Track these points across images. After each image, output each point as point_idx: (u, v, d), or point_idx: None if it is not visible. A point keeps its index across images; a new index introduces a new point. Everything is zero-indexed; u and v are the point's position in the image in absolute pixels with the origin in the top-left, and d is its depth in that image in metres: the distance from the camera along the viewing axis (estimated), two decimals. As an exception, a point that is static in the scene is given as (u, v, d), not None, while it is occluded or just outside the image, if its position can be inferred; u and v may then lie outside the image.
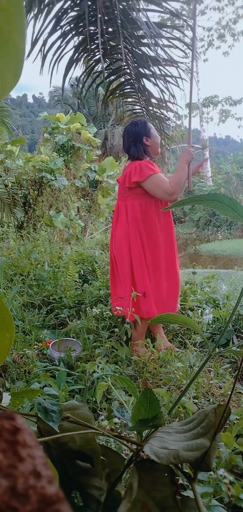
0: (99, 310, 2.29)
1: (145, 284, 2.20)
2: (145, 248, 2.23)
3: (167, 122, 3.27)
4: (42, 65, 2.64)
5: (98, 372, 1.52)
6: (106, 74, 3.02)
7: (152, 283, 2.23)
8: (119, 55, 2.87)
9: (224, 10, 19.08)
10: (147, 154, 2.32)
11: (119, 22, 2.51)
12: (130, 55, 2.86)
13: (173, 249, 2.31)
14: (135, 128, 2.33)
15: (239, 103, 20.05)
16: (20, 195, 6.41)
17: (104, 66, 2.90)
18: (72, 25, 2.62)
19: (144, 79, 3.05)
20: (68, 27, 2.63)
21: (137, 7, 2.57)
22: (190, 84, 2.20)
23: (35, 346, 2.12)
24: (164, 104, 3.07)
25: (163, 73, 2.90)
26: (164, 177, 2.20)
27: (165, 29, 2.85)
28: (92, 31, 2.66)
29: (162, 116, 3.23)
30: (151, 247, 2.24)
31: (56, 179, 6.48)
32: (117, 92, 3.22)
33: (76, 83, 12.60)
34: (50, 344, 2.11)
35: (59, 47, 2.68)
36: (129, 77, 3.09)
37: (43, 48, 2.61)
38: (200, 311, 2.75)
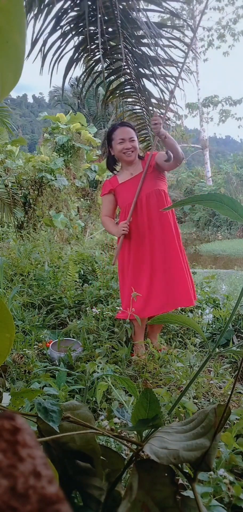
0: (99, 310, 2.29)
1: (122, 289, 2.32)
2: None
3: (167, 122, 3.26)
4: (42, 65, 2.63)
5: (98, 372, 1.51)
6: (106, 74, 3.01)
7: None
8: (119, 55, 2.87)
9: (224, 10, 19.15)
10: (116, 164, 2.35)
11: (119, 22, 2.51)
12: (130, 55, 2.86)
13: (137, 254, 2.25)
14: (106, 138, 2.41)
15: (239, 103, 20.06)
16: (20, 195, 6.41)
17: (104, 66, 2.90)
18: (72, 25, 2.62)
19: (144, 79, 3.04)
20: (68, 27, 2.63)
21: (137, 7, 2.57)
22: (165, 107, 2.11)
23: (35, 346, 2.12)
24: (164, 104, 3.06)
25: (163, 73, 2.90)
26: (105, 203, 2.35)
27: (165, 29, 2.84)
28: (92, 31, 2.66)
29: (162, 116, 3.22)
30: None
31: (56, 179, 6.48)
32: (117, 92, 3.22)
33: (76, 83, 12.59)
34: (50, 344, 2.11)
35: (59, 47, 2.67)
36: (129, 77, 3.08)
37: (43, 48, 2.61)
38: (200, 311, 2.75)
